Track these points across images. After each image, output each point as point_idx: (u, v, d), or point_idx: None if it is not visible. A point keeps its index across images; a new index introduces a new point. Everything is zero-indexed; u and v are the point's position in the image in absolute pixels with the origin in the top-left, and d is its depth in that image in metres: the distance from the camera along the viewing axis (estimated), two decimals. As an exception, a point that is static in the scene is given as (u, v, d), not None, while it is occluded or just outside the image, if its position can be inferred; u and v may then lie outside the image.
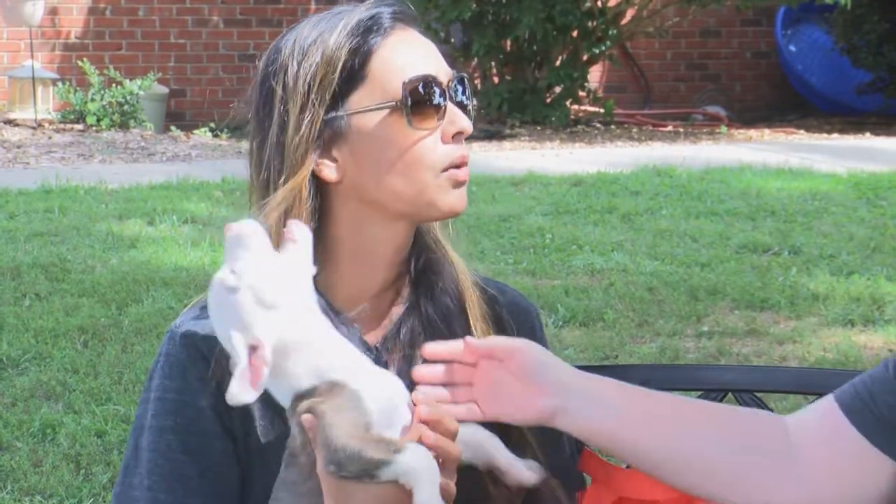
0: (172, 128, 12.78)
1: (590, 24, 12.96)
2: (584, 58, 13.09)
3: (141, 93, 12.48)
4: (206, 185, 9.19)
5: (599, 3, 13.00)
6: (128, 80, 12.53)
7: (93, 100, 12.44)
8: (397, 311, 2.14)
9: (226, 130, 12.65)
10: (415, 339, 2.11)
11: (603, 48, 13.13)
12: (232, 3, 13.88)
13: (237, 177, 9.41)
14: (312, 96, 2.04)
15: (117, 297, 6.38)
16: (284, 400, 1.93)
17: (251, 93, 2.13)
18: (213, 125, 12.91)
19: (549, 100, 13.00)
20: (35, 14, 12.58)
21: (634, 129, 13.39)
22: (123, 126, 12.37)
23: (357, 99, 2.05)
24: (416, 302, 2.13)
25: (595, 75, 14.25)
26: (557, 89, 12.99)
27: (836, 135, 13.17)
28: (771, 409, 2.39)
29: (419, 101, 2.04)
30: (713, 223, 8.17)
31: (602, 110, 13.50)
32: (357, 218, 2.08)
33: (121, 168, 10.46)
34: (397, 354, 2.11)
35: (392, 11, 2.09)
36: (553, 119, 12.78)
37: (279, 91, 2.07)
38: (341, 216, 2.09)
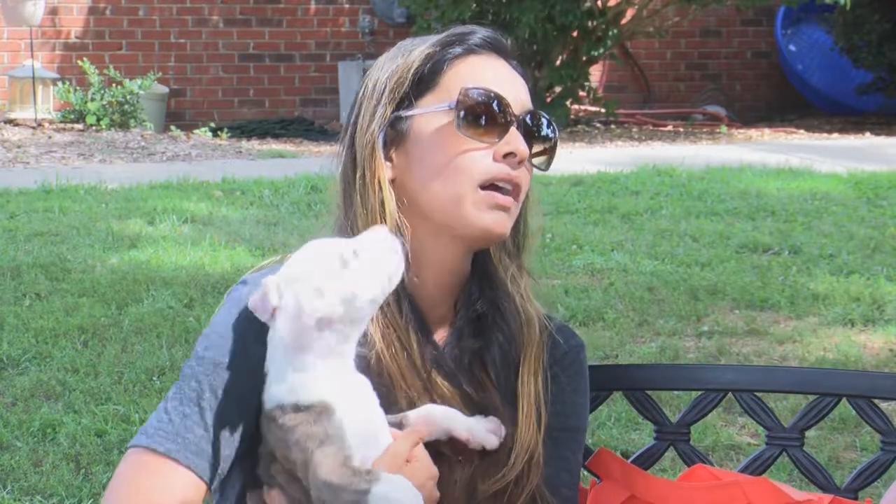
0: (172, 127, 12.78)
1: (590, 23, 12.95)
2: (584, 58, 13.09)
3: (141, 92, 12.48)
4: (207, 184, 9.19)
5: (599, 3, 13.00)
6: (128, 80, 12.53)
7: (93, 99, 12.45)
8: (447, 331, 2.15)
9: (226, 130, 12.65)
10: (460, 366, 2.13)
11: (603, 48, 13.12)
12: (232, 2, 13.88)
13: (237, 176, 9.41)
14: (385, 95, 2.09)
15: (117, 296, 6.38)
16: (268, 400, 1.97)
17: None
18: (213, 125, 12.91)
19: (549, 100, 12.99)
20: (35, 14, 12.58)
21: (635, 129, 13.40)
22: (123, 126, 12.37)
23: (423, 104, 2.09)
24: (463, 332, 2.14)
25: (595, 75, 14.25)
26: (558, 89, 12.98)
27: (836, 135, 13.17)
28: (770, 409, 2.39)
29: (474, 110, 2.07)
30: (713, 223, 8.17)
31: (603, 110, 13.50)
32: (410, 223, 2.09)
33: (121, 168, 10.46)
34: (444, 370, 2.13)
35: (485, 36, 2.13)
36: (553, 119, 12.76)
37: (360, 91, 2.13)
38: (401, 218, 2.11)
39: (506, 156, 2.08)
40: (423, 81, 2.09)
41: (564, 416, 2.18)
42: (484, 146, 2.06)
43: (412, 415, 2.02)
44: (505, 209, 2.07)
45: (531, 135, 2.12)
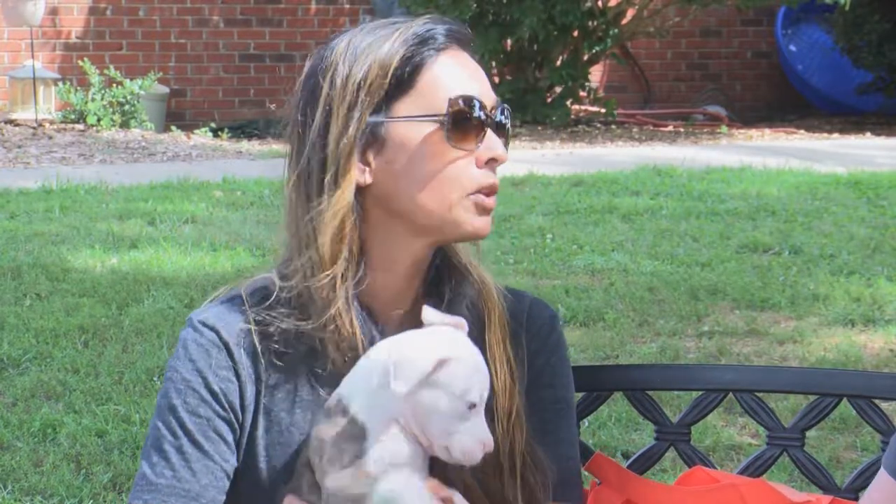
0: (173, 128, 12.78)
1: (590, 23, 12.95)
2: (585, 58, 13.09)
3: (141, 92, 12.48)
4: (207, 185, 9.19)
5: (600, 3, 13.00)
6: (128, 80, 12.54)
7: (93, 99, 12.45)
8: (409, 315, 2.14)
9: (227, 130, 12.65)
10: None
11: (604, 48, 13.12)
12: (232, 2, 13.88)
13: (237, 177, 9.41)
14: (361, 97, 2.04)
15: (118, 296, 6.38)
16: (357, 386, 1.98)
17: (296, 90, 2.11)
18: (213, 125, 12.91)
19: (549, 100, 12.99)
20: (36, 14, 12.58)
21: (635, 129, 13.39)
22: (124, 126, 12.37)
23: (401, 108, 2.06)
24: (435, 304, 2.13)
25: (596, 75, 14.25)
26: (558, 89, 12.98)
27: (836, 135, 13.17)
28: (771, 409, 2.40)
29: (461, 120, 2.05)
30: (714, 223, 8.17)
31: (603, 110, 13.50)
32: (382, 225, 2.08)
33: (121, 168, 10.46)
34: None
35: (448, 29, 2.10)
36: (554, 119, 12.78)
37: (326, 89, 2.06)
38: (369, 221, 2.08)
39: (488, 161, 2.08)
40: (400, 85, 2.06)
41: (552, 387, 2.19)
42: (465, 153, 2.06)
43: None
44: (490, 211, 2.09)
45: (501, 127, 2.11)
